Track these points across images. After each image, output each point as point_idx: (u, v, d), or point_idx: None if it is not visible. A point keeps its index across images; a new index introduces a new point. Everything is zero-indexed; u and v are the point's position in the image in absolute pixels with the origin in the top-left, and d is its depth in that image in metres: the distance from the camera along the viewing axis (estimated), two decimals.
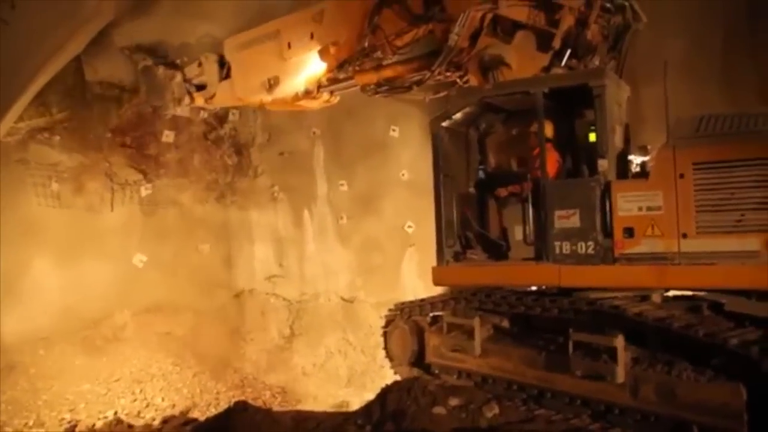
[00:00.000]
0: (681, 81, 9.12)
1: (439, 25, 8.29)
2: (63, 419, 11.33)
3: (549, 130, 7.29)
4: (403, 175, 13.21)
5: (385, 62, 8.93)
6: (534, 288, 7.36)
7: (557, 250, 6.79)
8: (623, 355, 6.09)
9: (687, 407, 5.67)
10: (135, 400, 12.00)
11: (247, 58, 10.20)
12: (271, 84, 9.82)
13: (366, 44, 8.76)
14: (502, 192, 7.67)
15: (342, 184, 13.47)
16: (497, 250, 7.71)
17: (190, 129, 12.93)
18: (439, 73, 8.31)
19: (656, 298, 6.69)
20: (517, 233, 7.57)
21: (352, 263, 13.63)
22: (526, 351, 7.04)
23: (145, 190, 13.11)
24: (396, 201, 13.35)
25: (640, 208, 6.37)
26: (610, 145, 6.78)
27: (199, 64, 10.72)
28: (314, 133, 13.17)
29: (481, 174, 8.22)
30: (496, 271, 7.50)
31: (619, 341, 6.10)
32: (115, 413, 11.56)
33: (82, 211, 12.70)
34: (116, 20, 11.63)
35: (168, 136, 12.80)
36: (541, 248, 6.93)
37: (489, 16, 7.78)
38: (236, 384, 13.01)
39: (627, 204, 6.45)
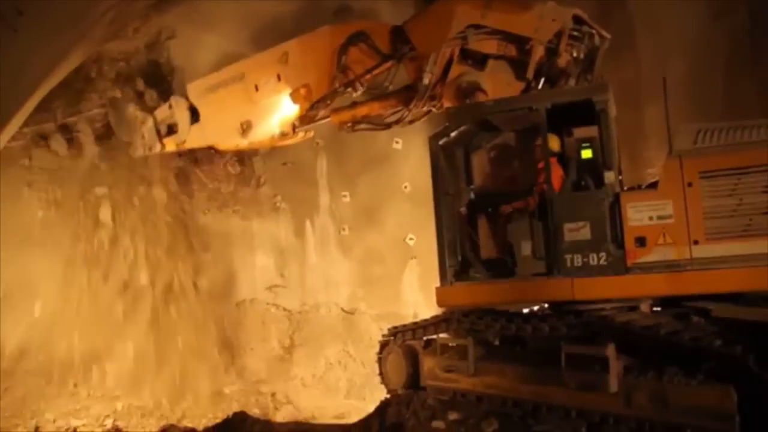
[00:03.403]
0: (685, 99, 9.18)
1: (410, 63, 8.29)
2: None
3: (554, 144, 7.30)
4: (405, 187, 13.24)
5: (359, 99, 8.82)
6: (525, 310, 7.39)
7: (568, 263, 6.82)
8: (615, 364, 6.15)
9: (680, 412, 5.75)
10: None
11: (214, 102, 9.79)
12: (245, 128, 9.51)
13: (337, 85, 8.64)
14: (507, 208, 7.55)
15: (344, 195, 13.47)
16: (502, 268, 7.59)
17: None
18: (417, 108, 8.31)
19: (645, 307, 6.78)
20: (523, 249, 7.40)
21: (354, 274, 13.59)
22: (520, 367, 7.08)
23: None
24: (398, 213, 13.35)
25: (650, 218, 6.49)
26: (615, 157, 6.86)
27: (170, 107, 10.34)
28: (318, 144, 13.14)
29: (480, 192, 8.11)
30: (506, 289, 7.37)
31: (611, 350, 6.16)
32: (114, 421, 11.55)
33: (82, 219, 12.70)
34: None
35: None
36: (552, 262, 6.94)
37: (458, 48, 7.84)
38: (235, 393, 12.97)
39: (637, 214, 6.56)
